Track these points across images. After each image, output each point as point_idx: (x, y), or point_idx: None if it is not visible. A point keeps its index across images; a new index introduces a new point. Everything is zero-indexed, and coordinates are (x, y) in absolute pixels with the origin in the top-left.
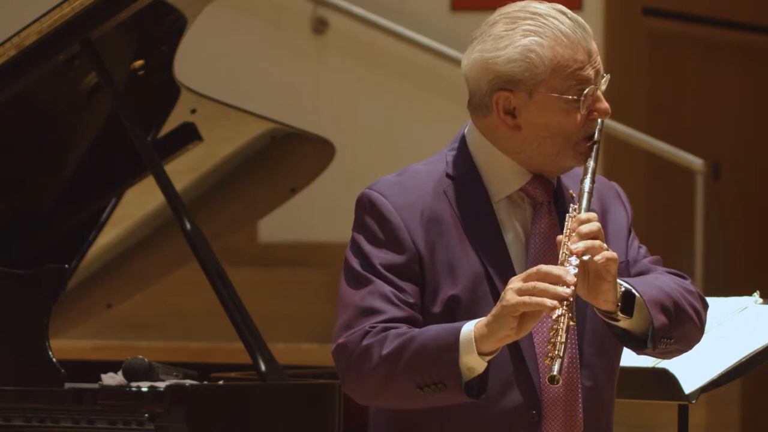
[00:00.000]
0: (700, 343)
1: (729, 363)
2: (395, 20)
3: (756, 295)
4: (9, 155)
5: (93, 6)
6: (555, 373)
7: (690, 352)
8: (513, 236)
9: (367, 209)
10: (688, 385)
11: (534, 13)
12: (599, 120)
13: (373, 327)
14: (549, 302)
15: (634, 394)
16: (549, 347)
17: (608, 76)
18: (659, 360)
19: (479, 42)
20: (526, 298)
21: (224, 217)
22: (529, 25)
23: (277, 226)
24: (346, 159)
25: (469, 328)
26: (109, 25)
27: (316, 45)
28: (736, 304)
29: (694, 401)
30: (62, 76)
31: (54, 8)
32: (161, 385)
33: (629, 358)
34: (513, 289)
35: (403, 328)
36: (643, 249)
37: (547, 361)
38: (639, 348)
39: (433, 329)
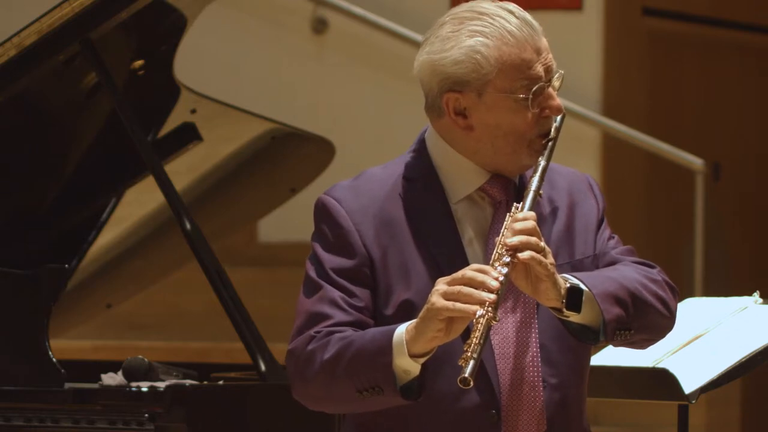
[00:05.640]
0: (700, 342)
1: (729, 363)
2: (395, 20)
3: (756, 295)
4: (9, 156)
5: (93, 6)
6: (467, 375)
7: (690, 352)
8: (471, 236)
9: (321, 215)
10: (688, 385)
11: (480, 13)
12: (557, 117)
13: (318, 332)
14: (472, 308)
15: (634, 394)
16: (465, 347)
17: (561, 72)
18: (659, 360)
19: (428, 44)
20: (449, 304)
21: (224, 216)
22: (475, 25)
23: (277, 226)
24: (346, 159)
25: (401, 331)
26: (109, 25)
27: (316, 45)
28: (736, 304)
29: (694, 401)
30: (62, 76)
31: (54, 8)
32: (161, 385)
33: (629, 358)
34: (439, 292)
35: (348, 331)
36: (614, 240)
37: (460, 363)
38: (595, 341)
39: (371, 332)
